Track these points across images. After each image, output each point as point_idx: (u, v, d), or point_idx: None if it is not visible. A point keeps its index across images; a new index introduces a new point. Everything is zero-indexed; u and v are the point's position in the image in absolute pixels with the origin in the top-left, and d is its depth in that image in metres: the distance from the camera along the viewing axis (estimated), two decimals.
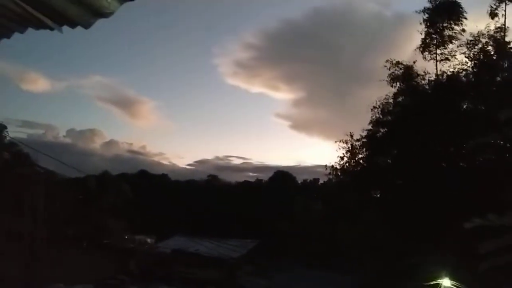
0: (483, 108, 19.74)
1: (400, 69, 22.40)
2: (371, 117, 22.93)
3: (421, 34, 22.21)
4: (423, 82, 22.28)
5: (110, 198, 42.29)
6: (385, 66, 22.57)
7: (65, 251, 24.15)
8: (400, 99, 22.51)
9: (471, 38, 20.49)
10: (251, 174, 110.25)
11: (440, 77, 21.66)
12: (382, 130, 22.96)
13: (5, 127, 37.70)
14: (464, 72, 20.94)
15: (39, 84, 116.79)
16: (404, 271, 17.08)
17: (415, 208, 18.40)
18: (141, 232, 39.51)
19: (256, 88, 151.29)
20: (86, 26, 2.77)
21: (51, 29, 2.89)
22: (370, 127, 23.10)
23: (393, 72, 22.44)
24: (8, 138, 36.49)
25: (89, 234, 31.24)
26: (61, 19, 2.79)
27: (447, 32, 21.55)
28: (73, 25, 2.81)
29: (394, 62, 22.52)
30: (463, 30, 21.23)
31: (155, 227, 41.72)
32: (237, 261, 34.18)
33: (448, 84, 20.75)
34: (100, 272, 25.94)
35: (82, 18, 2.71)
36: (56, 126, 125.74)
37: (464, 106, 21.13)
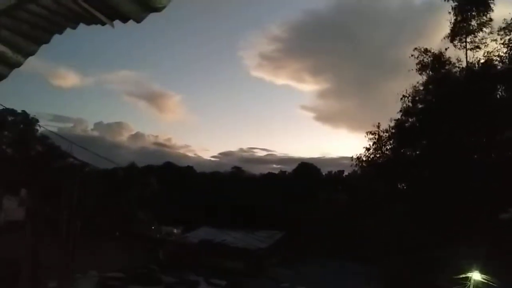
0: None
1: (429, 57, 21.92)
2: (401, 106, 22.48)
3: (450, 22, 21.68)
4: (454, 70, 21.77)
5: (137, 189, 43.12)
6: (413, 55, 22.16)
7: (97, 240, 24.99)
8: (431, 87, 22.02)
9: (504, 25, 19.87)
10: (275, 166, 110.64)
11: (472, 65, 21.09)
12: (411, 120, 22.54)
13: (37, 121, 39.22)
14: (498, 59, 20.34)
15: (69, 79, 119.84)
16: (430, 262, 16.91)
17: (441, 200, 18.10)
18: (168, 223, 40.27)
19: (281, 80, 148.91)
20: (138, 20, 2.80)
21: (103, 24, 2.96)
22: (398, 116, 22.69)
23: (421, 60, 22.00)
24: (40, 131, 37.88)
25: (119, 224, 32.14)
26: (113, 14, 2.83)
27: (476, 21, 20.98)
28: (125, 19, 2.85)
29: (422, 49, 22.09)
30: (491, 19, 20.65)
31: (181, 218, 42.44)
32: (264, 252, 34.45)
33: (481, 72, 20.18)
34: (130, 261, 26.74)
35: (134, 12, 2.75)
36: (85, 119, 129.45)
37: (498, 95, 20.52)
